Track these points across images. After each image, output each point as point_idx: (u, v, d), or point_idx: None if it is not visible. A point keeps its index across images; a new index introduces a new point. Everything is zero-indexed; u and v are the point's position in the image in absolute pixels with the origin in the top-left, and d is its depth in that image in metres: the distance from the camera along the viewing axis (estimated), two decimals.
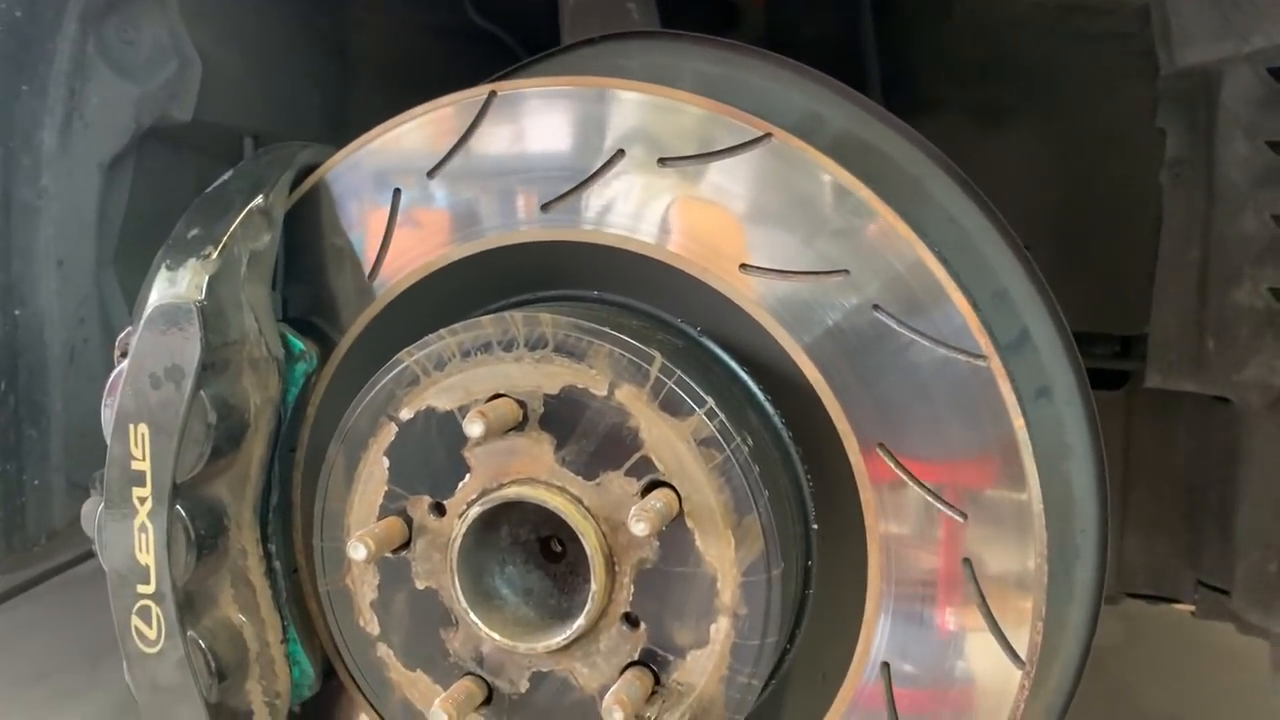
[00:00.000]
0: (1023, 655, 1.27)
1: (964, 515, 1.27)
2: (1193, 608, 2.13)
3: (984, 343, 1.25)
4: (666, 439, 1.25)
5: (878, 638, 1.33)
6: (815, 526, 1.36)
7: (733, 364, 1.36)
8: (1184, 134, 1.82)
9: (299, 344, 1.47)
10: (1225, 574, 1.89)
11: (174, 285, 1.35)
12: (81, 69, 1.92)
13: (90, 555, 2.28)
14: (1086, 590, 1.42)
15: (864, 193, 1.29)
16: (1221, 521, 1.90)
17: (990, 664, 1.28)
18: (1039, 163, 2.22)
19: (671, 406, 1.25)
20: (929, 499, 1.28)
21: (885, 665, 1.33)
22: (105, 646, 3.44)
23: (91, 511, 1.44)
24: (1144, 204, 1.92)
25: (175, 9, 1.98)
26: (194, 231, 1.39)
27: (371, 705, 1.51)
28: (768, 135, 1.30)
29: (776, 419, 1.35)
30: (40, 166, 1.90)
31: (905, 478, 1.28)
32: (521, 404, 1.30)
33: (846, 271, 1.29)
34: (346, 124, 2.41)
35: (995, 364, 1.25)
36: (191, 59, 1.99)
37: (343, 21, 2.42)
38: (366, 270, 1.47)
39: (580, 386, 1.28)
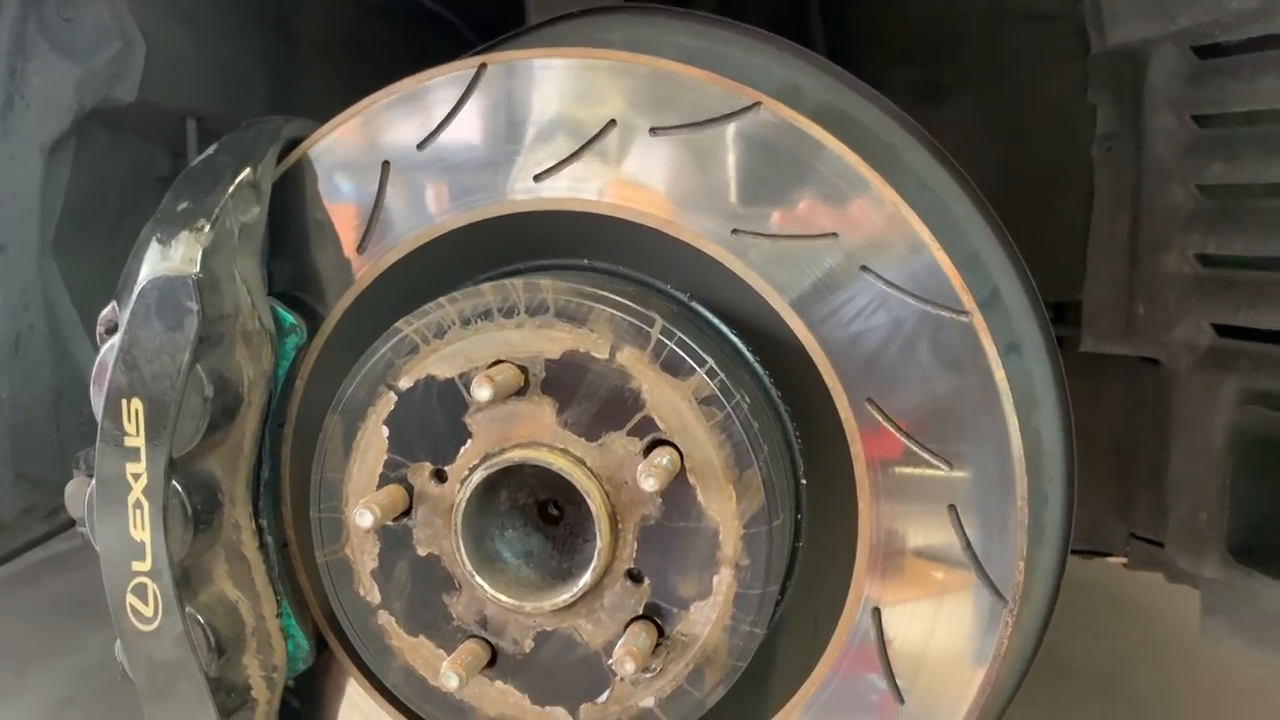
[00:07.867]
0: (1005, 594, 1.34)
1: (949, 464, 1.34)
2: (1123, 560, 2.24)
3: (966, 299, 1.31)
4: (668, 399, 1.29)
5: (868, 583, 1.39)
6: (804, 481, 1.41)
7: (722, 326, 1.40)
8: (1114, 109, 1.90)
9: (289, 317, 1.46)
10: (1157, 526, 1.96)
11: (167, 259, 1.34)
12: (22, 48, 1.88)
13: (7, 559, 2.23)
14: (1055, 534, 1.50)
15: (850, 159, 1.33)
16: (1153, 476, 1.96)
17: (975, 603, 1.35)
18: (977, 138, 2.31)
19: (673, 367, 1.29)
20: (916, 449, 1.34)
21: (876, 610, 1.39)
22: (30, 651, 3.36)
23: (78, 491, 1.41)
24: (1076, 177, 2.00)
25: None
26: (184, 205, 1.38)
27: (367, 674, 1.52)
28: (757, 104, 1.34)
29: (766, 379, 1.40)
30: None
31: (894, 430, 1.34)
32: (523, 369, 1.32)
33: (835, 234, 1.34)
34: (289, 104, 2.38)
35: (977, 319, 1.31)
36: (134, 38, 1.95)
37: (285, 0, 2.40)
38: (354, 244, 1.47)
39: (582, 350, 1.30)
